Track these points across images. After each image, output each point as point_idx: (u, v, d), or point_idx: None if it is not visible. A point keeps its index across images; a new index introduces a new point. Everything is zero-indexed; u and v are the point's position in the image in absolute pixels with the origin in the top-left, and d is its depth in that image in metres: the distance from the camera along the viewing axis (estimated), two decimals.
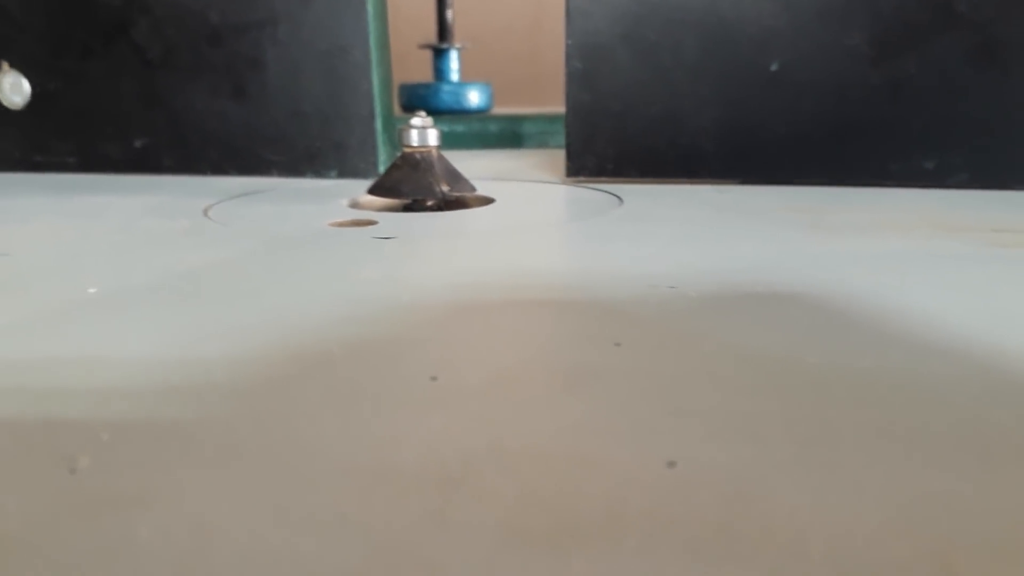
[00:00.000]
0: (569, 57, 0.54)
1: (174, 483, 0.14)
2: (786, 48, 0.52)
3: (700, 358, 0.21)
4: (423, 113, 0.48)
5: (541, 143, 0.91)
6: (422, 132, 0.48)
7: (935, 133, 0.51)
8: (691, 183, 0.55)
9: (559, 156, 0.77)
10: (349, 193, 0.52)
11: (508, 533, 0.13)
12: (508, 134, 0.90)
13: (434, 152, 0.48)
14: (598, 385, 0.19)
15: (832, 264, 0.31)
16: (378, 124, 0.58)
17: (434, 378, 0.19)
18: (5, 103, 0.66)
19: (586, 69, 0.54)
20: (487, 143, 0.89)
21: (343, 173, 0.60)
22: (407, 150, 0.48)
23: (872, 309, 0.25)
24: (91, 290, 0.28)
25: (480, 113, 0.95)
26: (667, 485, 0.14)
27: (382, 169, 0.59)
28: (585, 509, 0.13)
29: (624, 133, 0.55)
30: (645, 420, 0.17)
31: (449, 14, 0.96)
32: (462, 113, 0.94)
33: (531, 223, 0.44)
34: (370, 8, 0.56)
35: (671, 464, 0.15)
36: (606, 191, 0.52)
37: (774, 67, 0.52)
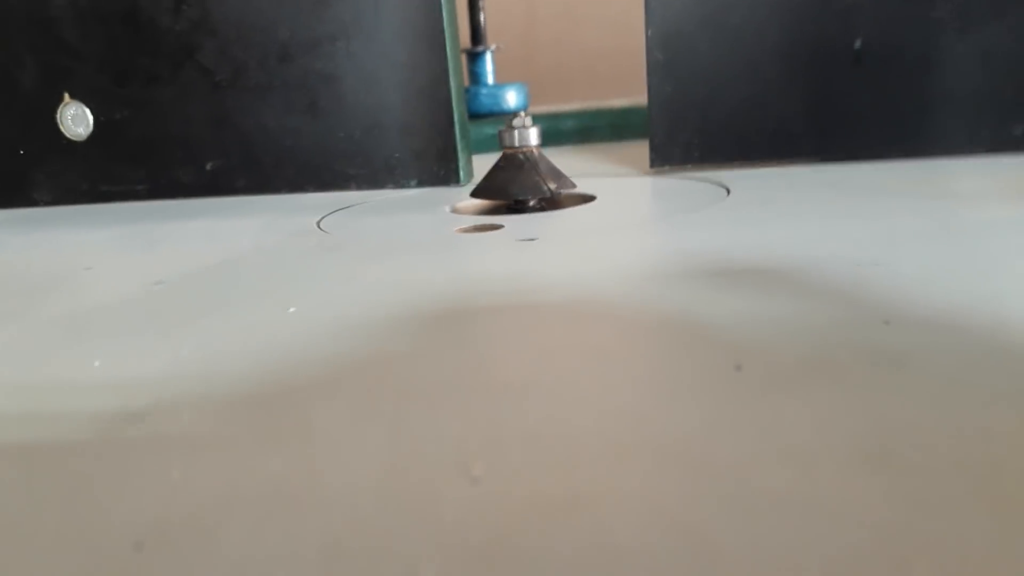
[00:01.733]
0: (650, 48, 0.54)
1: None
2: (869, 24, 0.52)
3: None
4: (522, 113, 0.48)
5: (583, 139, 0.91)
6: (523, 132, 0.48)
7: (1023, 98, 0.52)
8: (780, 165, 0.55)
9: (620, 149, 0.77)
10: (441, 201, 0.52)
11: None
12: (549, 132, 0.90)
13: (536, 151, 0.48)
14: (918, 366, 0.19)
15: (1003, 225, 0.31)
16: (457, 131, 0.58)
17: (739, 367, 0.19)
18: (69, 135, 0.66)
19: (667, 59, 0.55)
20: None
21: (423, 182, 0.59)
22: (508, 151, 0.48)
23: None
24: (291, 309, 0.28)
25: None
26: None
27: (462, 176, 0.59)
28: None
29: (709, 120, 0.55)
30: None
31: (481, 17, 0.96)
32: (501, 115, 0.94)
33: (655, 215, 0.44)
34: (445, 15, 0.56)
35: None
36: (702, 179, 0.52)
37: (858, 44, 0.53)
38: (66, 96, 0.64)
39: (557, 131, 0.90)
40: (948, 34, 0.52)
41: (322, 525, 0.14)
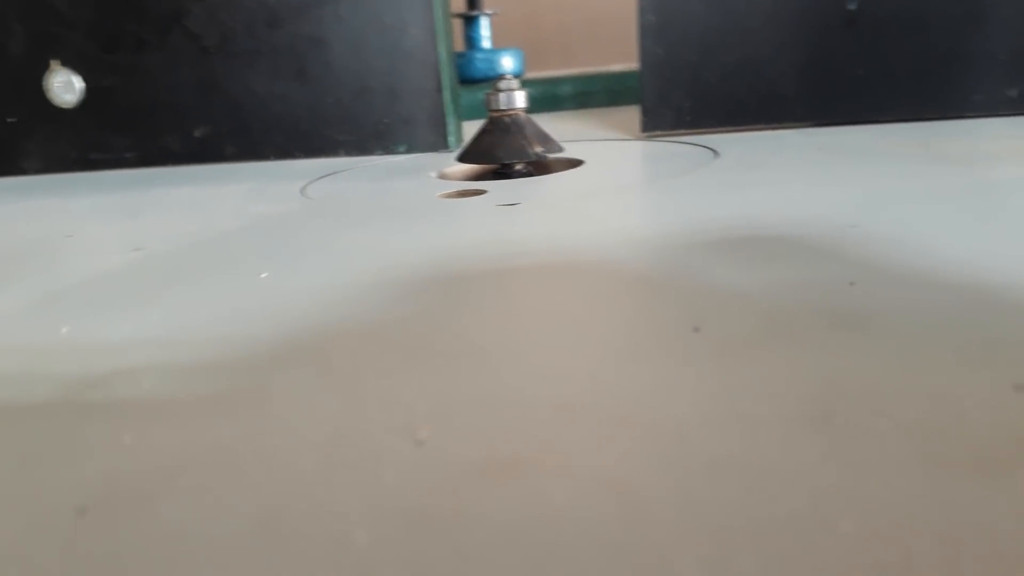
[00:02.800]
0: (642, 10, 0.54)
1: None
2: None
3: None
4: (508, 75, 0.47)
5: (581, 104, 0.90)
6: (509, 95, 0.47)
7: (1018, 60, 0.51)
8: (772, 129, 0.54)
9: (616, 114, 0.77)
10: (431, 166, 0.51)
11: None
12: (547, 98, 0.89)
13: (522, 114, 0.47)
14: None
15: (993, 187, 0.31)
16: (446, 96, 0.57)
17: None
18: (57, 102, 0.65)
19: (659, 21, 0.54)
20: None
21: (413, 148, 0.59)
22: (495, 114, 0.47)
23: None
24: (263, 275, 0.28)
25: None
26: None
27: (452, 141, 0.59)
28: None
29: (701, 84, 0.55)
30: None
31: None
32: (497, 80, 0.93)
33: (644, 179, 0.43)
34: None
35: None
36: (693, 143, 0.51)
37: (852, 5, 0.52)
38: (54, 64, 0.64)
39: (554, 96, 0.90)
40: None
41: (261, 492, 0.14)
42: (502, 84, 0.47)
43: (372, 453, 0.15)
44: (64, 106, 0.64)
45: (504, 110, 0.47)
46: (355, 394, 0.17)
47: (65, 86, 0.64)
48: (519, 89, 0.47)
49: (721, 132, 0.55)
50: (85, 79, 0.63)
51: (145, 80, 0.62)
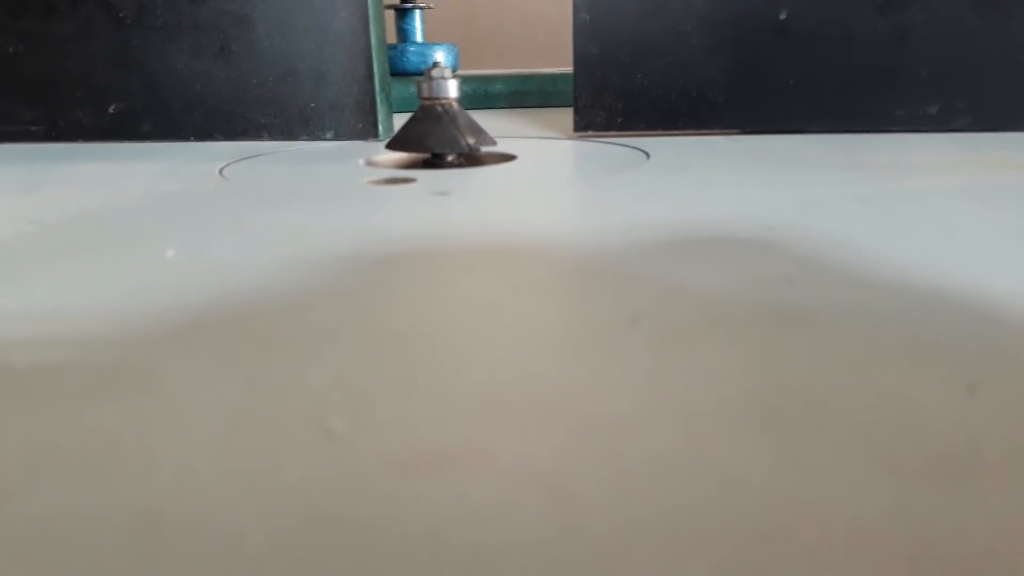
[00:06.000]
0: (577, 9, 0.53)
1: None
2: None
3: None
4: (441, 63, 0.46)
5: (514, 103, 0.89)
6: (441, 83, 0.45)
7: (939, 78, 0.52)
8: (701, 134, 0.54)
9: (548, 114, 0.76)
10: (356, 154, 0.49)
11: None
12: (479, 95, 0.88)
13: (455, 104, 0.46)
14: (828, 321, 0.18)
15: (919, 195, 0.31)
16: (376, 83, 0.56)
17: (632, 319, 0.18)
18: None
19: (594, 20, 0.53)
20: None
21: (340, 135, 0.57)
22: (426, 102, 0.46)
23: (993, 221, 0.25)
24: (169, 253, 0.26)
25: None
26: None
27: (382, 130, 0.57)
28: None
29: (633, 86, 0.54)
30: None
31: None
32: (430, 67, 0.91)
33: (577, 176, 0.42)
34: None
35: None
36: (624, 144, 0.51)
37: (783, 16, 0.52)
38: None
39: (486, 94, 0.88)
40: (870, 11, 0.52)
41: (140, 488, 0.12)
42: (434, 71, 0.45)
43: (275, 446, 0.13)
44: None
45: (436, 98, 0.45)
46: (259, 380, 0.16)
47: None
48: (452, 78, 0.46)
49: (652, 135, 0.55)
50: None
51: (55, 49, 0.58)
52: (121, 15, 0.56)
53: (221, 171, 0.43)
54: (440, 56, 0.93)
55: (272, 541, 0.11)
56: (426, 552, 0.10)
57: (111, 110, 0.58)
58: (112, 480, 0.12)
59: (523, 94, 0.89)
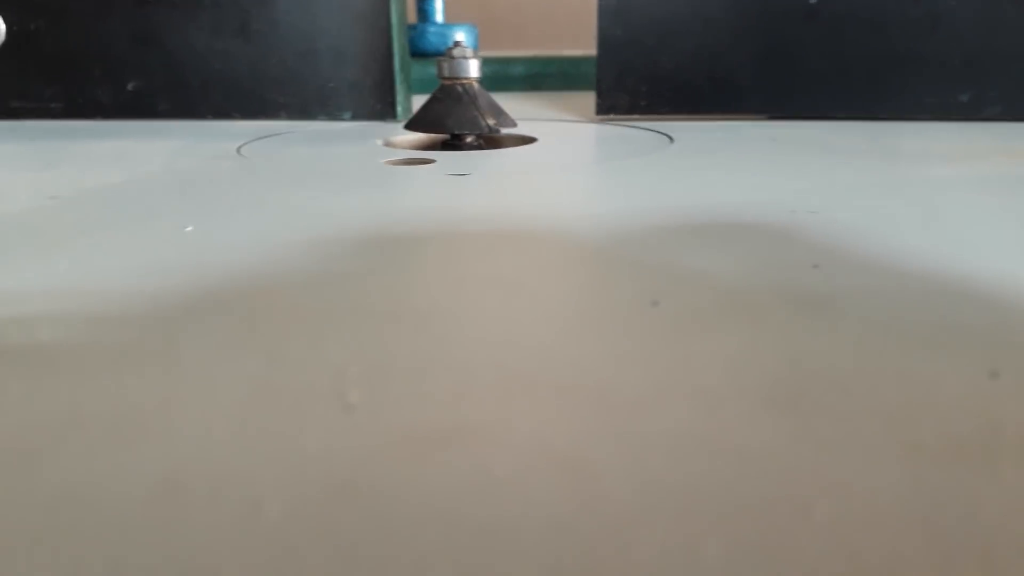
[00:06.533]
0: None
1: None
2: None
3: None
4: (462, 42, 0.46)
5: (534, 86, 0.89)
6: (463, 62, 0.45)
7: (971, 66, 0.51)
8: (726, 118, 0.54)
9: (569, 97, 0.75)
10: (375, 134, 0.49)
11: None
12: (499, 77, 0.88)
13: (475, 84, 0.46)
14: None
15: (946, 184, 0.31)
16: (396, 63, 0.55)
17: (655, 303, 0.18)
18: None
19: (619, 3, 0.53)
20: None
21: (358, 115, 0.57)
22: (446, 82, 0.46)
23: None
24: (188, 228, 0.26)
25: None
26: None
27: (400, 111, 0.57)
28: None
29: (658, 69, 0.54)
30: None
31: None
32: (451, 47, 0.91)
33: (599, 159, 0.42)
34: None
35: None
36: (647, 128, 0.50)
37: (812, 0, 0.51)
38: None
39: (506, 76, 0.88)
40: None
41: (162, 455, 0.12)
42: (455, 51, 0.45)
43: (294, 417, 0.13)
44: None
45: (456, 77, 0.45)
46: (279, 353, 0.16)
47: None
48: (473, 58, 0.45)
49: (676, 119, 0.54)
50: (8, 20, 0.59)
51: (75, 26, 0.58)
52: None
53: (239, 150, 0.43)
54: (461, 36, 0.92)
55: (291, 508, 0.11)
56: (443, 523, 0.10)
57: (129, 87, 0.58)
58: (135, 447, 0.12)
59: (543, 77, 0.88)
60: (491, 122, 0.44)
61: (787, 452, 0.12)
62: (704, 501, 0.11)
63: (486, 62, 0.88)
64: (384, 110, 0.56)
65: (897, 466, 0.11)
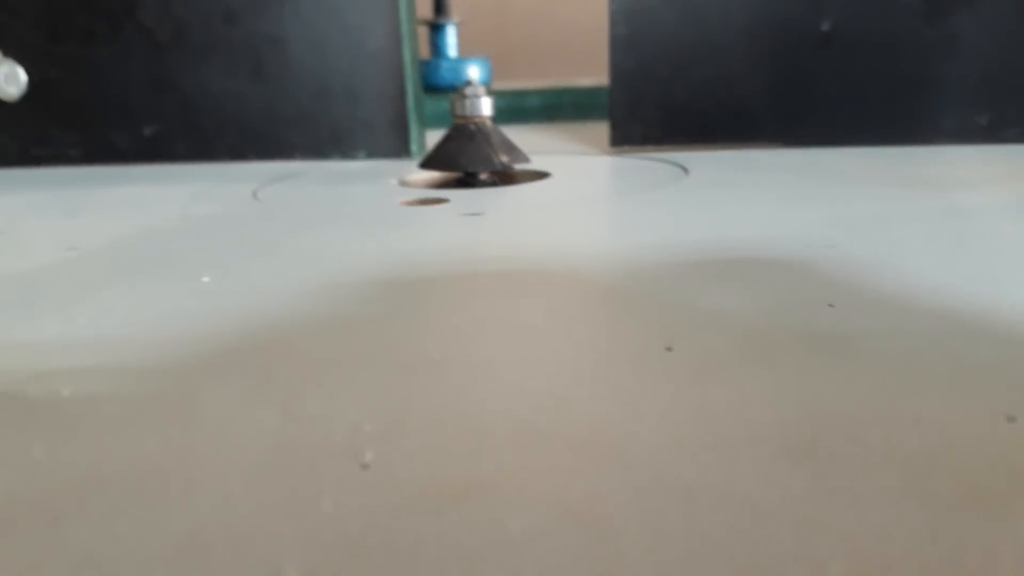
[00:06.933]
0: (613, 22, 0.53)
1: None
2: (838, 6, 0.51)
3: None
4: (474, 81, 0.46)
5: (549, 117, 0.89)
6: (475, 101, 0.45)
7: (989, 88, 0.51)
8: (741, 147, 0.54)
9: (584, 128, 0.76)
10: (389, 173, 0.50)
11: None
12: (514, 109, 0.88)
13: (488, 122, 0.46)
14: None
15: (966, 213, 0.30)
16: (410, 101, 0.56)
17: (669, 348, 0.18)
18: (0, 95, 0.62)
19: (631, 34, 0.53)
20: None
21: (373, 154, 0.57)
22: (459, 121, 0.46)
23: None
24: (204, 279, 0.26)
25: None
26: None
27: (414, 149, 0.57)
28: None
29: (671, 99, 0.54)
30: None
31: None
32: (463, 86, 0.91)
33: (613, 194, 0.42)
34: None
35: None
36: (661, 159, 0.50)
37: (825, 27, 0.51)
38: None
39: (521, 108, 0.89)
40: (916, 20, 0.50)
41: (182, 515, 0.12)
42: (468, 90, 0.45)
43: (310, 475, 0.13)
44: (6, 99, 0.61)
45: (469, 116, 0.45)
46: (295, 409, 0.16)
47: (8, 77, 0.61)
48: (485, 95, 0.45)
49: (690, 149, 0.54)
50: (29, 71, 0.60)
51: (93, 73, 0.59)
52: (158, 39, 0.57)
53: (255, 193, 0.43)
54: (473, 72, 0.93)
55: (309, 570, 0.10)
56: None
57: (146, 132, 0.59)
58: (155, 508, 0.12)
59: (558, 107, 0.89)
60: (504, 159, 0.45)
61: (803, 504, 0.11)
62: (720, 557, 0.10)
63: (500, 96, 0.89)
64: (399, 148, 0.57)
65: (914, 516, 0.11)
